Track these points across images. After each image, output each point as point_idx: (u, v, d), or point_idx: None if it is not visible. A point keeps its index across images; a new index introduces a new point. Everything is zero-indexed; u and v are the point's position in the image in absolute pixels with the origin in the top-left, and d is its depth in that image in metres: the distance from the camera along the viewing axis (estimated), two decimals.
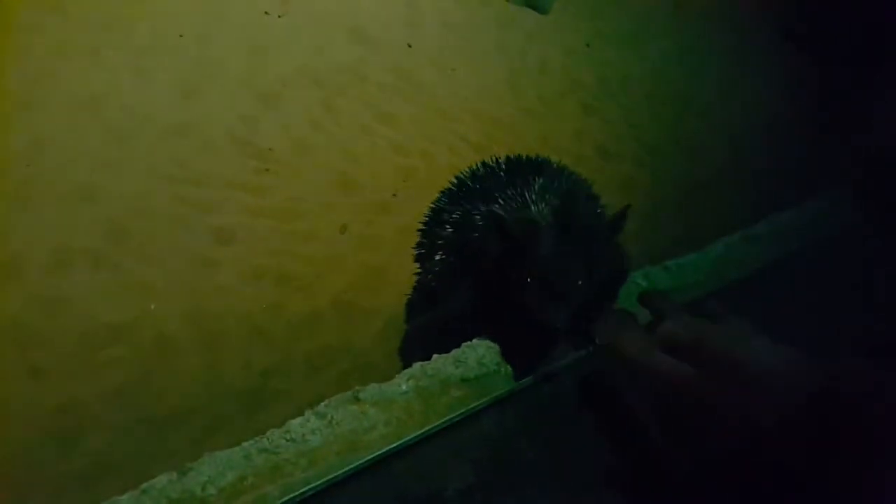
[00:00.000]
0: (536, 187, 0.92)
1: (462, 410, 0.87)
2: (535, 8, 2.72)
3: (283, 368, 1.29)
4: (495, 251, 0.88)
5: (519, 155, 1.11)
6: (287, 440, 0.85)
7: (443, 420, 0.85)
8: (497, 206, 0.90)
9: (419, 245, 1.19)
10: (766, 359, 0.45)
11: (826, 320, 1.13)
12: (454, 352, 0.99)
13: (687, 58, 2.79)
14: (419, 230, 1.17)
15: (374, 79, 2.05)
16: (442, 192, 1.18)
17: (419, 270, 1.22)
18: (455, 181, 1.18)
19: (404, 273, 1.52)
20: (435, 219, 1.17)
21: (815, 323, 1.16)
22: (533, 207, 0.89)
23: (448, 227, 1.04)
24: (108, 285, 1.31)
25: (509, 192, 0.90)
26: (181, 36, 1.86)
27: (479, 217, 0.93)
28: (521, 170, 1.00)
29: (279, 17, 2.08)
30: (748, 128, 2.51)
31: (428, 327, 1.05)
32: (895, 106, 2.20)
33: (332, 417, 0.85)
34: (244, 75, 1.85)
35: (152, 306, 1.30)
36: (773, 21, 3.18)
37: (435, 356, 0.97)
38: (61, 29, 1.71)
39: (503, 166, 1.06)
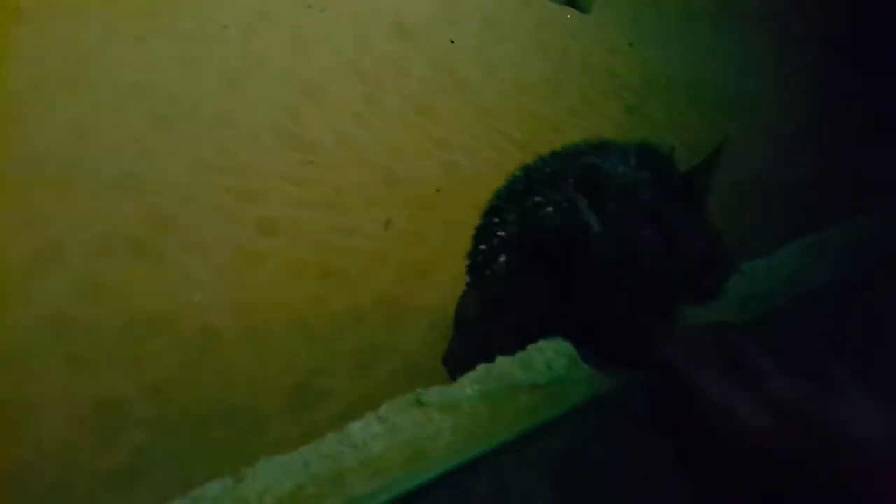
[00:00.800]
0: (616, 152, 0.83)
1: (533, 419, 0.81)
2: (575, 7, 2.66)
3: (328, 366, 1.24)
4: (587, 225, 0.79)
5: (580, 142, 1.03)
6: (347, 446, 0.80)
7: (515, 430, 0.79)
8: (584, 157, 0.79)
9: (472, 255, 1.11)
10: (866, 434, 0.39)
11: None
12: (519, 354, 0.93)
13: (730, 60, 2.72)
14: (473, 237, 1.10)
15: (416, 74, 2.01)
16: (496, 191, 1.11)
17: (469, 282, 1.14)
18: (511, 178, 1.11)
19: (449, 271, 1.47)
20: (492, 219, 1.09)
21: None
22: (622, 166, 0.79)
23: (511, 223, 0.97)
24: (150, 275, 1.27)
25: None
26: (225, 27, 1.83)
27: (551, 207, 0.86)
28: (585, 152, 0.91)
29: (322, 11, 2.05)
30: (792, 131, 2.43)
31: (492, 339, 0.97)
32: None
33: (394, 423, 0.80)
34: (288, 68, 1.82)
35: (196, 298, 1.25)
36: (816, 25, 3.09)
37: (499, 358, 0.91)
38: (107, 16, 1.69)
39: (565, 153, 0.98)
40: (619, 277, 0.79)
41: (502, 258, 0.98)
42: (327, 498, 0.74)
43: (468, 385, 0.86)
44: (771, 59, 2.75)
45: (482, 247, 1.06)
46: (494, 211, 1.06)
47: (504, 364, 0.90)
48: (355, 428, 0.82)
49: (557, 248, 0.85)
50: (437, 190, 1.69)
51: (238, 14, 1.88)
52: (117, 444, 1.08)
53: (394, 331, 1.35)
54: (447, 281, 1.41)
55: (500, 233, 0.98)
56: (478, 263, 1.08)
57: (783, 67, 2.74)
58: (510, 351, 0.94)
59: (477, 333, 1.07)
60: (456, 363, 1.07)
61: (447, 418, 0.79)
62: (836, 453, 0.39)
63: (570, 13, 2.63)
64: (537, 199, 0.90)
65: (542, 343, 0.96)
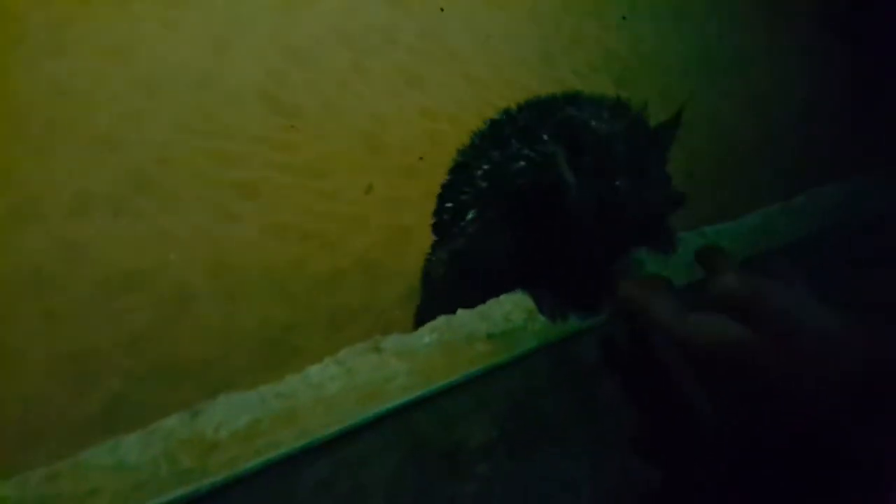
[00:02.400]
0: (589, 105, 0.83)
1: (485, 364, 0.82)
2: None
3: (304, 324, 1.25)
4: (563, 179, 0.79)
5: (545, 95, 0.99)
6: (305, 385, 0.81)
7: (467, 374, 0.80)
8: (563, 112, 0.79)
9: (438, 212, 1.11)
10: (832, 324, 0.39)
11: (860, 294, 1.05)
12: (479, 307, 0.94)
13: (723, 36, 2.69)
14: (439, 196, 1.10)
15: (404, 42, 1.99)
16: (461, 148, 1.10)
17: (435, 241, 1.14)
18: (478, 132, 1.09)
19: (429, 237, 1.47)
20: (459, 176, 1.08)
21: (849, 297, 1.08)
22: (599, 120, 0.79)
23: (479, 178, 0.96)
24: (128, 233, 1.28)
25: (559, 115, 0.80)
26: None
27: (523, 161, 0.85)
28: (556, 105, 0.90)
29: None
30: (783, 109, 2.42)
31: (458, 296, 0.98)
32: None
33: (351, 366, 0.81)
34: (273, 32, 1.80)
35: (172, 256, 1.26)
36: (812, 2, 3.05)
37: (460, 311, 0.92)
38: None
39: (536, 106, 0.96)
40: (591, 229, 0.80)
41: (470, 214, 0.98)
42: (281, 431, 0.76)
43: (426, 334, 0.88)
44: (765, 37, 2.72)
45: (448, 204, 1.07)
46: (461, 167, 1.06)
47: (463, 316, 0.92)
48: (313, 370, 0.84)
49: (530, 202, 0.85)
50: (421, 158, 1.69)
51: None
52: (93, 393, 1.09)
53: (371, 292, 1.36)
54: (427, 246, 1.41)
55: (467, 189, 0.98)
56: (444, 221, 1.09)
57: (777, 44, 2.72)
58: (473, 305, 0.95)
59: (443, 292, 1.08)
60: (423, 321, 1.09)
61: (403, 363, 0.81)
62: (807, 349, 0.38)
63: None
64: (508, 152, 0.90)
65: (502, 297, 0.97)
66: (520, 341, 0.90)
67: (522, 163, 0.82)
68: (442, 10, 2.16)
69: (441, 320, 0.94)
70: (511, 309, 0.95)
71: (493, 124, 1.03)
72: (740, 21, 2.74)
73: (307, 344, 1.23)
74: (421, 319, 1.21)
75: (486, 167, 0.93)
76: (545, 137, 0.79)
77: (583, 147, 0.75)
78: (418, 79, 1.91)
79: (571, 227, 0.79)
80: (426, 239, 1.46)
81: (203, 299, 1.23)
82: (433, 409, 0.79)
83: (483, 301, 0.92)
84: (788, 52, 2.71)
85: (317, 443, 0.74)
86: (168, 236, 1.29)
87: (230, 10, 1.79)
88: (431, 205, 1.55)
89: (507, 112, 1.02)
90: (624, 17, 2.49)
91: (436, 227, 1.10)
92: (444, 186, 1.09)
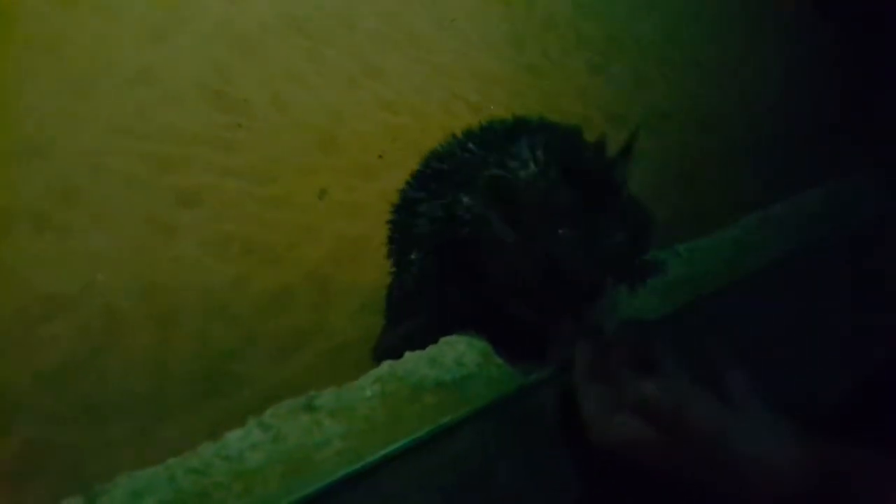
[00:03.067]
0: (525, 147, 0.77)
1: (432, 425, 0.74)
2: None
3: (247, 350, 1.16)
4: (498, 227, 0.74)
5: (487, 123, 0.97)
6: (221, 458, 0.71)
7: (409, 438, 0.72)
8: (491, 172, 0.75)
9: (390, 240, 1.07)
10: (761, 449, 0.38)
11: (858, 323, 0.99)
12: (430, 349, 0.85)
13: (702, 19, 2.58)
14: (388, 221, 1.05)
15: (363, 27, 1.86)
16: (408, 180, 1.06)
17: (393, 269, 1.10)
18: (422, 166, 1.04)
19: (386, 246, 1.38)
20: (403, 213, 1.04)
21: (846, 328, 1.01)
22: (532, 167, 0.74)
23: (422, 220, 0.91)
24: (51, 252, 1.17)
25: (492, 160, 0.75)
26: None
27: (463, 211, 0.79)
28: (497, 137, 0.86)
29: None
30: (765, 98, 2.33)
31: (408, 338, 0.92)
32: None
33: (279, 430, 0.72)
34: (220, 20, 1.67)
35: (100, 276, 1.15)
36: None
37: (407, 354, 0.84)
38: None
39: (475, 138, 0.91)
40: (534, 282, 0.74)
41: (413, 255, 0.94)
42: None
43: (368, 385, 0.78)
44: (746, 18, 2.62)
45: (394, 241, 1.03)
46: (405, 203, 1.00)
47: (411, 360, 0.83)
48: (233, 437, 0.74)
49: (471, 255, 0.81)
50: (380, 156, 1.58)
51: None
52: (5, 438, 1.00)
53: (322, 311, 1.27)
54: (383, 257, 1.32)
55: (411, 229, 0.93)
56: (394, 252, 1.04)
57: (759, 26, 2.62)
58: (425, 344, 0.87)
59: (400, 326, 1.05)
60: (382, 356, 1.04)
61: (339, 424, 0.72)
62: (716, 465, 0.38)
63: None
64: (446, 201, 0.85)
65: (454, 337, 0.88)
66: (472, 391, 0.82)
67: (462, 213, 0.75)
68: None
69: (385, 368, 0.85)
70: (465, 350, 0.87)
71: (436, 156, 0.96)
72: (719, 4, 2.63)
73: (250, 372, 1.14)
74: (381, 354, 1.16)
75: (428, 209, 0.87)
76: (466, 200, 0.75)
77: (517, 203, 0.68)
78: (377, 68, 1.79)
79: (514, 280, 0.72)
80: (383, 249, 1.37)
81: (133, 325, 1.13)
82: (367, 487, 0.71)
83: (435, 331, 0.86)
84: (773, 33, 2.62)
85: None
86: (96, 254, 1.18)
87: None
88: (390, 209, 1.46)
89: (447, 143, 0.96)
90: None
91: (389, 255, 1.06)
92: (391, 222, 1.05)
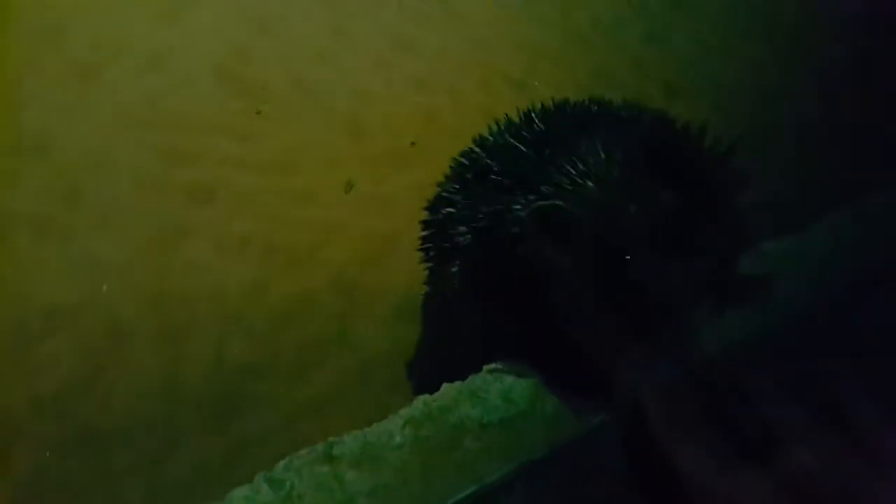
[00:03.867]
0: (592, 147, 0.61)
1: (475, 483, 0.60)
2: None
3: (263, 367, 1.04)
4: (554, 256, 0.60)
5: (552, 104, 0.80)
6: None
7: (452, 494, 0.59)
8: (541, 194, 0.60)
9: (425, 246, 0.93)
10: None
11: None
12: (471, 379, 0.71)
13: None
14: (422, 221, 0.91)
15: None
16: (445, 177, 0.90)
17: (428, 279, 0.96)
18: (463, 159, 0.88)
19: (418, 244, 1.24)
20: (440, 217, 0.89)
21: None
22: (593, 180, 0.58)
23: (462, 228, 0.76)
24: (52, 260, 1.07)
25: (551, 168, 0.59)
26: None
27: (516, 227, 0.63)
28: (562, 125, 0.69)
29: None
30: (842, 73, 2.06)
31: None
32: None
33: (292, 485, 0.59)
34: None
35: (105, 286, 1.05)
36: None
37: (445, 386, 0.70)
38: None
39: (534, 124, 0.75)
40: (598, 313, 0.59)
41: (454, 268, 0.79)
42: None
43: (398, 430, 0.65)
44: None
45: (432, 249, 0.88)
46: (443, 205, 0.85)
47: (449, 395, 0.68)
48: (237, 496, 0.62)
49: (522, 274, 0.66)
50: (412, 143, 1.43)
51: None
52: (5, 470, 0.91)
53: (347, 320, 1.13)
54: (416, 257, 1.18)
55: (452, 235, 0.78)
56: (430, 260, 0.89)
57: None
58: (471, 365, 0.74)
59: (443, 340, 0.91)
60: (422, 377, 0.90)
61: (364, 477, 0.58)
62: None
63: None
64: (497, 208, 0.69)
65: (499, 365, 0.74)
66: (523, 434, 0.67)
67: (515, 229, 0.60)
68: None
69: (419, 406, 0.72)
70: (512, 384, 0.73)
71: (482, 148, 0.80)
72: None
73: (268, 393, 1.02)
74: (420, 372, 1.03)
75: (471, 216, 0.72)
76: (518, 212, 0.59)
77: (573, 231, 0.53)
78: (409, 43, 1.62)
79: (577, 311, 0.56)
80: (416, 247, 1.23)
81: (141, 340, 1.02)
82: None
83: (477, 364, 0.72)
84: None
85: None
86: (101, 262, 1.08)
87: None
88: (423, 203, 1.32)
89: (496, 131, 0.80)
90: None
91: (425, 260, 0.91)
92: (425, 223, 0.90)
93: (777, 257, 0.89)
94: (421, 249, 0.90)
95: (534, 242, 0.58)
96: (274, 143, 1.32)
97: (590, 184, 0.54)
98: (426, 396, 0.71)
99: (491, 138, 0.80)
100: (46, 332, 1.00)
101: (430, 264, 0.91)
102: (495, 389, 0.70)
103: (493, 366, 0.73)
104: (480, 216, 0.68)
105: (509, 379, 0.71)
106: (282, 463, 0.63)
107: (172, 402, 0.99)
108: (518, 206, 0.61)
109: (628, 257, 0.51)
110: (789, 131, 1.68)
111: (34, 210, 1.11)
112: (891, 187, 1.16)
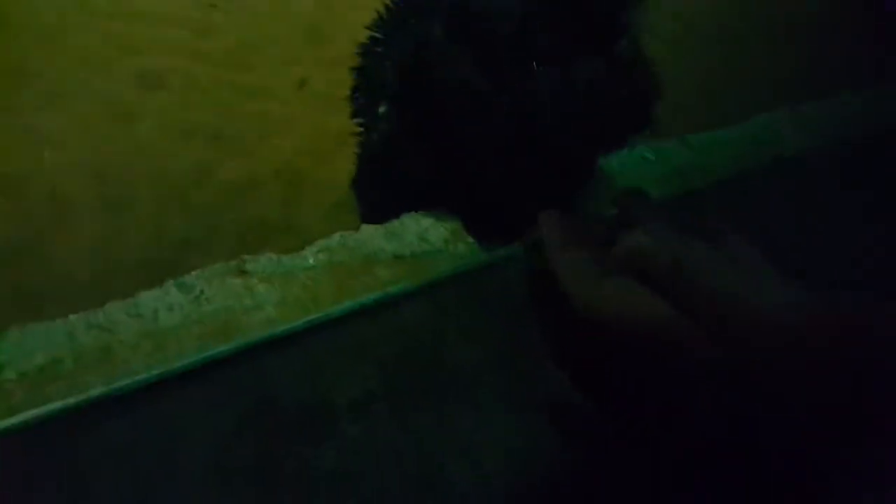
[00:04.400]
0: None
1: (382, 293, 0.63)
2: None
3: (205, 242, 1.06)
4: (466, 67, 0.61)
5: None
6: (131, 316, 0.62)
7: (352, 303, 0.61)
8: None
9: (355, 91, 0.90)
10: (774, 304, 0.30)
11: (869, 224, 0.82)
12: (390, 222, 0.73)
13: None
14: (352, 69, 0.88)
15: None
16: (374, 20, 0.88)
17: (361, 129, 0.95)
18: None
19: None
20: (369, 59, 0.87)
21: (855, 226, 0.85)
22: None
23: (388, 66, 0.75)
24: None
25: None
26: None
27: (427, 51, 0.63)
28: None
29: None
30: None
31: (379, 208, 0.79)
32: None
33: (201, 291, 0.61)
34: None
35: (47, 154, 1.06)
36: None
37: (364, 226, 0.72)
38: None
39: None
40: (512, 143, 0.60)
41: (381, 108, 0.78)
42: (85, 374, 0.57)
43: (311, 254, 0.67)
44: None
45: (358, 94, 0.87)
46: (372, 47, 0.84)
47: (366, 232, 0.71)
48: (146, 296, 0.64)
49: (439, 104, 0.66)
50: None
51: None
52: None
53: (291, 206, 1.15)
54: None
55: (377, 77, 0.78)
56: (360, 106, 0.88)
57: None
58: (386, 219, 0.76)
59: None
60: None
61: (274, 290, 0.61)
62: (738, 335, 0.30)
63: None
64: (408, 38, 0.69)
65: (420, 213, 0.76)
66: (433, 267, 0.69)
67: (426, 52, 0.60)
68: None
69: (336, 238, 0.73)
70: (430, 226, 0.75)
71: None
72: None
73: (207, 265, 1.04)
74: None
75: (394, 52, 0.71)
76: (437, 34, 0.58)
77: (490, 38, 0.53)
78: None
79: (494, 137, 0.58)
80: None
81: (81, 210, 1.04)
82: (294, 352, 0.60)
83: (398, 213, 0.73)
84: None
85: (126, 390, 0.55)
86: (44, 135, 1.09)
87: None
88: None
89: None
90: None
91: (354, 115, 0.89)
92: (356, 69, 0.88)
93: (698, 146, 0.91)
94: (351, 98, 0.89)
95: (447, 53, 0.58)
96: (229, 37, 1.33)
97: None
98: (343, 232, 0.73)
99: None
100: None
101: (359, 110, 0.89)
102: (412, 230, 0.72)
103: (413, 213, 0.75)
104: (403, 46, 0.68)
105: (426, 223, 0.73)
106: (194, 273, 0.65)
107: (109, 269, 1.01)
108: (438, 31, 0.61)
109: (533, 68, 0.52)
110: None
111: None
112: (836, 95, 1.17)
